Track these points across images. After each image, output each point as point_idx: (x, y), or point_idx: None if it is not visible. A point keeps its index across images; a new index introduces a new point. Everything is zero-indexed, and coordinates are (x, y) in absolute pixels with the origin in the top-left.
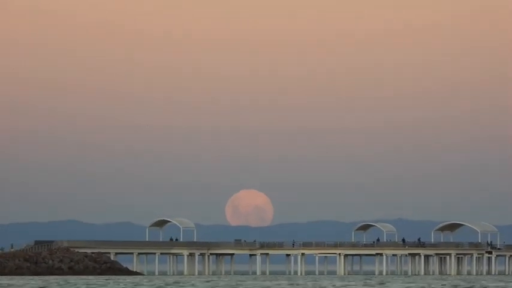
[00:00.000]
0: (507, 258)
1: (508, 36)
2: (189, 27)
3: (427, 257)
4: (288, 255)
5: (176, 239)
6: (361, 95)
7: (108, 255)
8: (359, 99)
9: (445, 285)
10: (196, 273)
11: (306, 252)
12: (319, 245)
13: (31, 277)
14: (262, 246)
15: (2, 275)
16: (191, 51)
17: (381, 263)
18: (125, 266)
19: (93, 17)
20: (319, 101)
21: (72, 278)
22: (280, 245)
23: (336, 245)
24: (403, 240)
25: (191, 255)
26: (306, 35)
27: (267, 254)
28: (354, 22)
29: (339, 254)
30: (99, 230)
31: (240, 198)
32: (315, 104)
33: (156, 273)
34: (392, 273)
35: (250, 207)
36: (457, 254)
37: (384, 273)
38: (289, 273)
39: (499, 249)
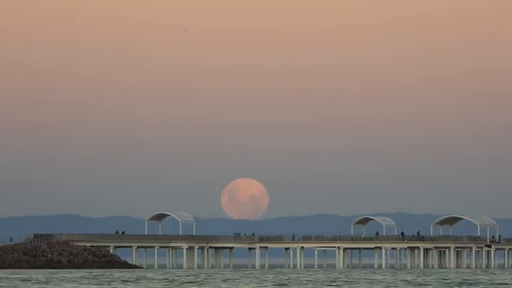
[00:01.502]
0: (506, 252)
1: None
2: (187, 19)
3: (426, 250)
4: (287, 248)
5: (123, 232)
6: (361, 87)
7: (107, 248)
8: (358, 92)
9: None
10: (196, 266)
11: (305, 245)
12: (318, 239)
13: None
14: (261, 239)
15: (1, 269)
16: (191, 44)
17: (380, 256)
18: (123, 259)
19: (94, 10)
20: (319, 93)
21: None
22: (279, 239)
23: (335, 239)
24: (402, 233)
25: (190, 248)
26: (304, 27)
27: (266, 247)
28: (353, 14)
29: (338, 247)
30: (98, 224)
31: (236, 188)
32: (314, 96)
33: (156, 267)
34: (392, 266)
35: (246, 196)
36: (456, 247)
37: (383, 266)
38: (288, 267)
39: (498, 242)
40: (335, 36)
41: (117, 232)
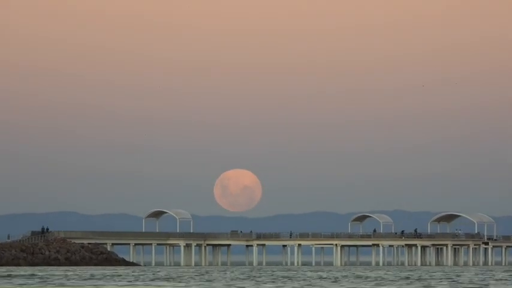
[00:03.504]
0: (503, 249)
1: None
2: (173, 13)
3: (423, 247)
4: (284, 246)
5: (47, 229)
6: (361, 85)
7: (105, 245)
8: (357, 90)
9: None
10: (193, 264)
11: (303, 243)
12: (315, 236)
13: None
14: (259, 237)
15: None
16: (182, 40)
17: (377, 253)
18: (121, 256)
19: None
20: (318, 89)
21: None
22: (276, 236)
23: (332, 236)
24: (402, 232)
25: (188, 246)
26: (303, 22)
27: (264, 244)
28: (360, 9)
29: (336, 244)
30: (95, 221)
31: (228, 178)
32: (313, 92)
33: (153, 264)
34: (389, 264)
35: (239, 186)
36: (454, 244)
37: (381, 264)
38: (286, 264)
39: (495, 240)
40: (338, 30)
41: (42, 229)
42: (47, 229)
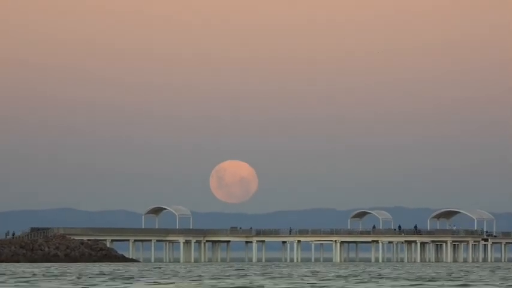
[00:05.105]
0: (503, 246)
1: None
2: (172, 7)
3: (423, 244)
4: (284, 242)
5: (13, 233)
6: (360, 81)
7: (104, 242)
8: (356, 87)
9: None
10: (193, 260)
11: (302, 239)
12: (315, 232)
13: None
14: (258, 233)
15: None
16: (179, 27)
17: (377, 250)
18: (120, 253)
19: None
20: (319, 86)
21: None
22: (276, 232)
23: (332, 233)
24: (399, 227)
25: (187, 242)
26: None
27: (263, 241)
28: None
29: (335, 241)
30: (95, 217)
31: (224, 169)
32: (312, 89)
33: (152, 261)
34: (389, 260)
35: (235, 177)
36: (453, 241)
37: (380, 260)
38: (285, 261)
39: (495, 236)
40: (338, 25)
41: (6, 234)
42: (13, 233)
